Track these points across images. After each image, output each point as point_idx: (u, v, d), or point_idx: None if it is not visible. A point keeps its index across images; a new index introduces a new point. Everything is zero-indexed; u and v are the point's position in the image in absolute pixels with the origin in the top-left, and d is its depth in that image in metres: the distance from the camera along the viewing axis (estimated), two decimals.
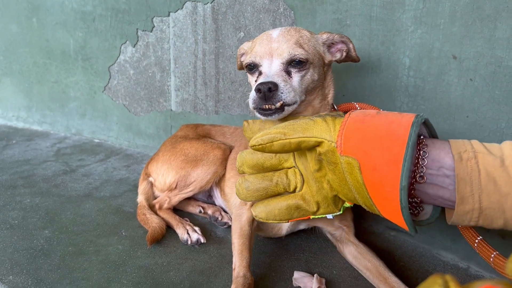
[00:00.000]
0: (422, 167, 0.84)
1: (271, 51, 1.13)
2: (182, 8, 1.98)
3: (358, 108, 1.45)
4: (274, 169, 1.05)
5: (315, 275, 1.19)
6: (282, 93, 1.05)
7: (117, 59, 2.33)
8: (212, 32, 1.90)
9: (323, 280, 1.19)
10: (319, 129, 0.92)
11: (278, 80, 1.07)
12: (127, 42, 2.26)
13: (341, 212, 1.00)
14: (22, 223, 1.49)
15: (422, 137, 0.87)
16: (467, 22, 1.21)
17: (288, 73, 1.11)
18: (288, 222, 1.05)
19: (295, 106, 1.10)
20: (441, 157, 0.84)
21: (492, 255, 0.92)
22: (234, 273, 1.15)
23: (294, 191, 1.02)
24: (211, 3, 1.86)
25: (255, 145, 0.94)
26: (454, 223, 0.85)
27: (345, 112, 1.49)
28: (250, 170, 1.07)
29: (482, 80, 1.21)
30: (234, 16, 1.81)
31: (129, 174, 2.04)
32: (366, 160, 0.84)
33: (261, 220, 1.03)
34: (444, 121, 1.31)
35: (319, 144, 0.91)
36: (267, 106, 1.06)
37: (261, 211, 1.03)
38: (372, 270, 1.20)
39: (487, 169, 0.79)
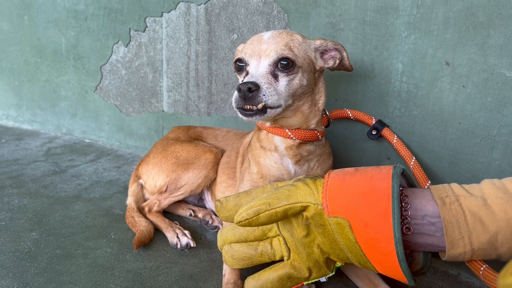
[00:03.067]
0: (407, 218, 0.85)
1: (260, 52, 1.12)
2: (175, 9, 1.96)
3: (350, 114, 1.45)
4: (259, 240, 1.05)
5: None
6: (264, 95, 1.04)
7: (109, 58, 2.31)
8: (205, 34, 1.89)
9: (313, 286, 1.18)
10: (302, 193, 0.92)
11: (262, 81, 1.06)
12: (120, 42, 2.24)
13: (333, 273, 1.00)
14: (9, 225, 1.47)
15: (401, 189, 0.88)
16: (460, 28, 1.21)
17: (275, 76, 1.09)
18: None
19: (279, 110, 1.09)
20: (423, 205, 0.85)
21: (482, 268, 0.93)
22: (224, 280, 1.14)
23: (281, 259, 1.01)
24: (204, 4, 1.85)
25: (241, 221, 0.93)
26: (448, 260, 0.86)
27: (337, 119, 1.49)
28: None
29: (474, 87, 1.21)
30: (227, 18, 1.80)
31: (120, 175, 2.02)
32: (356, 218, 0.84)
33: None
34: (436, 128, 1.31)
35: (305, 208, 0.91)
36: (248, 107, 1.05)
37: (253, 287, 1.03)
38: (361, 276, 1.20)
39: (471, 210, 0.80)
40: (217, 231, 1.52)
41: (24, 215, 1.55)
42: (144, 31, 2.12)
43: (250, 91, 1.03)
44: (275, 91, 1.07)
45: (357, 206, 0.85)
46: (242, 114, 1.08)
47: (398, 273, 0.83)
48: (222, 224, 1.51)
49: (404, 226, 0.85)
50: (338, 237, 0.88)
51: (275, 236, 1.03)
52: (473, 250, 0.80)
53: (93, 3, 2.28)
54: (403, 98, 1.37)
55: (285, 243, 0.99)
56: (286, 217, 0.93)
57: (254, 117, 1.06)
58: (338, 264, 0.99)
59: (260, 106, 1.04)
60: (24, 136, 2.62)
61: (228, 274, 1.15)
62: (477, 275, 0.96)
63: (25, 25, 2.62)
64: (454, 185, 0.87)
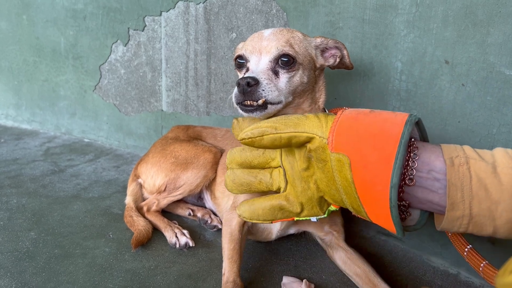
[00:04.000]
0: (412, 169, 0.83)
1: (261, 48, 1.12)
2: (174, 8, 1.96)
3: None
4: (261, 167, 1.05)
5: (304, 280, 1.18)
6: (263, 90, 1.03)
7: (108, 58, 2.31)
8: (204, 33, 1.88)
9: (312, 286, 1.18)
10: (311, 124, 0.90)
11: (262, 77, 1.05)
12: (118, 41, 2.23)
13: (325, 215, 0.99)
14: (7, 224, 1.46)
15: (413, 139, 0.86)
16: (459, 27, 1.21)
17: (276, 73, 1.09)
18: (271, 222, 1.04)
19: (279, 106, 1.08)
20: (431, 160, 0.83)
21: (482, 265, 0.92)
22: (224, 279, 1.14)
23: (278, 191, 1.01)
24: (203, 3, 1.85)
25: (245, 138, 0.92)
26: (444, 229, 0.84)
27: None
28: (239, 168, 1.07)
29: (474, 86, 1.21)
30: (226, 17, 1.79)
31: (119, 174, 2.02)
32: (357, 158, 0.83)
33: (245, 219, 1.03)
34: (435, 126, 1.30)
35: (310, 140, 0.90)
36: (249, 102, 1.04)
37: (245, 210, 1.03)
38: (361, 276, 1.19)
39: (479, 175, 0.78)
40: (216, 231, 1.52)
41: (22, 214, 1.55)
42: (143, 30, 2.12)
43: (249, 86, 1.02)
44: (275, 87, 1.06)
45: (362, 146, 0.83)
46: (242, 110, 1.07)
47: (388, 222, 0.81)
48: (221, 224, 1.51)
49: (408, 177, 0.83)
50: (336, 175, 0.86)
51: (277, 167, 1.02)
52: (471, 215, 0.78)
53: (91, 2, 2.28)
54: (402, 97, 1.36)
55: (284, 174, 0.99)
56: (290, 145, 0.92)
57: (255, 113, 1.05)
58: (332, 208, 0.97)
59: (260, 101, 1.03)
60: (23, 136, 2.61)
61: (227, 272, 1.15)
62: (476, 271, 0.95)
63: (23, 24, 2.61)
64: (466, 147, 0.84)
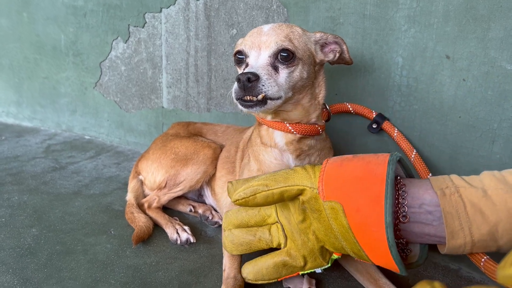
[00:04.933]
0: (403, 206, 0.85)
1: (260, 44, 1.11)
2: (174, 4, 1.95)
3: (351, 108, 1.45)
4: (259, 226, 1.06)
5: (305, 275, 1.18)
6: (263, 85, 1.03)
7: (108, 55, 2.31)
8: (205, 29, 1.88)
9: (313, 281, 1.18)
10: (299, 177, 0.93)
11: (262, 72, 1.05)
12: (119, 38, 2.23)
13: (329, 265, 1.00)
14: (9, 221, 1.47)
15: (399, 178, 0.89)
16: (460, 22, 1.20)
17: (275, 68, 1.09)
18: (278, 280, 1.05)
19: (279, 101, 1.08)
20: (420, 194, 0.85)
21: (483, 260, 0.92)
22: (225, 274, 1.14)
23: (279, 247, 1.02)
24: None
25: (238, 199, 0.95)
26: (448, 254, 0.85)
27: (338, 113, 1.49)
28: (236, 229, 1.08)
29: (475, 81, 1.21)
30: (226, 13, 1.79)
31: (120, 171, 2.02)
32: (349, 202, 0.85)
33: (250, 281, 1.04)
34: (436, 121, 1.30)
35: (301, 192, 0.92)
36: (248, 98, 1.04)
37: (249, 272, 1.05)
38: (362, 271, 1.19)
39: (472, 201, 0.79)
40: (217, 227, 1.52)
41: (24, 211, 1.55)
42: (143, 27, 2.11)
43: (249, 81, 1.02)
44: (275, 82, 1.06)
45: (351, 190, 0.85)
46: (242, 106, 1.07)
47: (390, 261, 0.83)
48: (222, 220, 1.51)
49: (401, 215, 0.84)
50: (332, 223, 0.88)
51: (274, 223, 1.03)
52: (473, 242, 0.80)
53: None
54: (403, 92, 1.36)
55: (283, 230, 0.99)
56: (283, 199, 0.94)
57: (254, 108, 1.05)
58: (334, 256, 0.99)
59: (260, 97, 1.03)
60: (24, 133, 2.62)
61: (228, 268, 1.15)
62: (478, 267, 0.96)
63: (24, 21, 2.61)
64: (454, 176, 0.86)
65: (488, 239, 0.79)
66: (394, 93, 1.38)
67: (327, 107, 1.30)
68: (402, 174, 0.95)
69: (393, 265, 0.83)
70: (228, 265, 1.16)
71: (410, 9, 1.29)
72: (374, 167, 0.85)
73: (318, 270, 1.03)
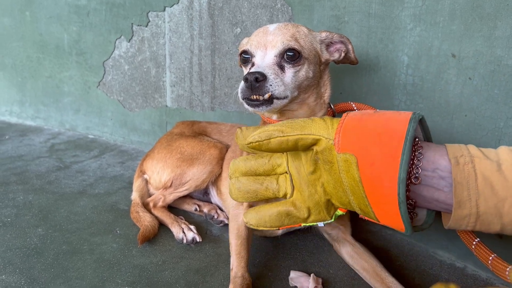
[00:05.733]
0: (417, 168, 0.83)
1: (266, 43, 1.12)
2: (178, 3, 1.95)
3: (355, 107, 1.45)
4: (267, 175, 1.04)
5: (311, 274, 1.18)
6: (270, 85, 1.04)
7: (111, 54, 2.31)
8: (208, 28, 1.88)
9: (320, 280, 1.18)
10: (317, 127, 0.91)
11: (268, 71, 1.05)
12: (122, 37, 2.23)
13: (332, 220, 0.99)
14: (15, 221, 1.47)
15: (417, 139, 0.87)
16: (466, 20, 1.20)
17: (281, 68, 1.09)
18: (279, 229, 1.04)
19: (285, 101, 1.08)
20: (436, 159, 0.83)
21: (490, 258, 0.92)
22: (232, 273, 1.14)
23: (285, 197, 1.01)
24: None
25: (252, 142, 0.92)
26: (451, 227, 0.84)
27: (342, 112, 1.48)
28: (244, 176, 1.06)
29: (481, 79, 1.20)
30: (230, 12, 1.79)
31: (124, 170, 2.02)
32: (364, 156, 0.83)
33: (252, 226, 1.02)
34: (442, 120, 1.30)
35: (316, 142, 0.90)
36: (254, 97, 1.04)
37: (252, 217, 1.02)
38: (368, 270, 1.20)
39: (484, 173, 0.78)
40: (222, 226, 1.52)
41: (29, 211, 1.55)
42: (146, 26, 2.11)
43: (257, 81, 1.02)
44: (281, 81, 1.06)
45: (368, 144, 0.83)
46: (249, 105, 1.07)
47: (396, 219, 0.81)
48: (227, 219, 1.51)
49: (413, 176, 0.83)
50: (343, 176, 0.87)
51: (282, 174, 1.02)
52: (478, 214, 0.79)
53: None
54: (408, 91, 1.36)
55: (291, 180, 0.98)
56: (296, 148, 0.92)
57: (261, 108, 1.06)
58: (339, 212, 0.98)
59: (266, 96, 1.03)
60: (28, 132, 2.62)
61: (235, 267, 1.15)
62: (485, 265, 0.95)
63: (27, 20, 2.61)
64: (471, 146, 0.85)
65: (493, 213, 0.78)
66: (400, 92, 1.38)
67: (332, 106, 1.29)
68: (420, 137, 0.93)
69: (399, 223, 0.82)
70: (235, 264, 1.16)
71: (415, 7, 1.29)
72: (395, 123, 0.83)
73: (321, 224, 1.01)
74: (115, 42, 2.27)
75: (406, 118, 0.83)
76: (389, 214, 0.83)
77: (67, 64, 2.53)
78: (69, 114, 2.64)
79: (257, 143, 0.92)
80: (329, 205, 0.96)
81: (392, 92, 1.39)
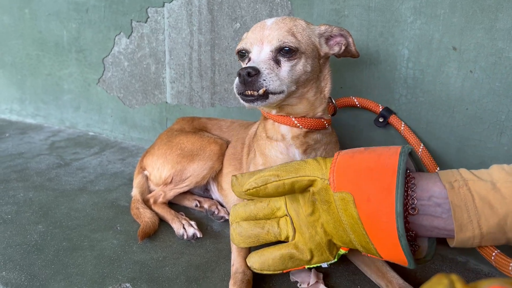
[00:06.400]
0: (413, 198, 0.84)
1: (262, 38, 1.11)
2: None
3: (357, 102, 1.44)
4: (267, 219, 1.05)
5: (312, 269, 1.18)
6: (264, 80, 1.03)
7: (111, 50, 2.30)
8: (208, 23, 1.87)
9: (321, 275, 1.17)
10: (311, 168, 0.93)
11: (263, 66, 1.05)
12: (121, 33, 2.22)
13: (335, 260, 0.99)
14: (15, 218, 1.47)
15: (408, 171, 0.88)
16: (467, 12, 1.19)
17: (277, 62, 1.08)
18: (283, 272, 1.05)
19: (282, 95, 1.07)
20: (429, 186, 0.85)
21: (494, 254, 0.92)
22: (233, 269, 1.14)
23: (286, 240, 1.01)
24: None
25: (249, 189, 0.94)
26: (457, 247, 0.85)
27: (344, 107, 1.48)
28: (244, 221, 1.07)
29: (482, 72, 1.19)
30: (230, 7, 1.78)
31: (124, 167, 2.02)
32: (359, 193, 0.84)
33: (255, 270, 1.02)
34: (443, 114, 1.29)
35: (312, 183, 0.92)
36: (249, 92, 1.04)
37: (255, 261, 1.04)
38: (369, 264, 1.19)
39: (480, 193, 0.79)
40: (223, 222, 1.51)
41: (30, 208, 1.55)
42: (146, 22, 2.10)
43: (249, 76, 1.02)
44: (276, 76, 1.05)
45: (362, 180, 0.85)
46: (244, 100, 1.07)
47: (398, 254, 0.82)
48: (228, 215, 1.51)
49: (410, 207, 0.84)
50: (342, 215, 0.87)
51: (283, 216, 1.03)
52: (482, 234, 0.79)
53: None
54: (409, 85, 1.35)
55: (292, 223, 0.99)
56: (293, 190, 0.93)
57: (256, 103, 1.05)
58: (342, 251, 0.98)
59: (261, 91, 1.03)
60: (28, 130, 2.62)
61: (237, 263, 1.15)
62: (488, 261, 0.95)
63: (26, 18, 2.60)
64: (463, 170, 0.86)
65: (497, 232, 0.79)
66: (400, 86, 1.37)
67: (333, 101, 1.29)
68: (412, 168, 0.95)
69: (401, 257, 0.83)
70: (236, 259, 1.15)
71: (416, 0, 1.28)
72: (386, 158, 0.85)
73: (324, 265, 1.03)
74: (114, 39, 2.26)
75: (396, 152, 0.86)
76: (390, 249, 0.84)
77: (67, 62, 2.53)
78: (69, 112, 2.64)
79: (254, 189, 0.94)
80: (331, 245, 0.97)
81: (393, 86, 1.39)
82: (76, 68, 2.50)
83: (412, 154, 0.93)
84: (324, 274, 1.19)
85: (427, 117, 1.33)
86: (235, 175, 1.05)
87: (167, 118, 2.18)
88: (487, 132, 1.22)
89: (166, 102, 2.16)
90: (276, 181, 0.92)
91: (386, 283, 1.11)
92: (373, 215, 0.82)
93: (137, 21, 2.13)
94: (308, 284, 1.13)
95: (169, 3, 1.98)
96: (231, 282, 1.09)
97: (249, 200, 1.08)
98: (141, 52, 2.18)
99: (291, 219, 1.00)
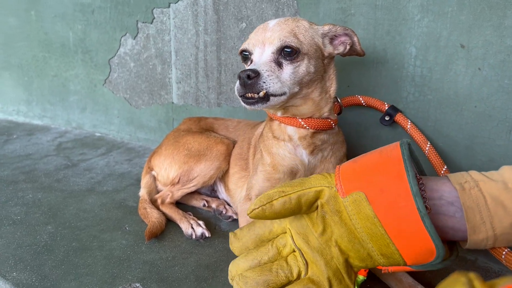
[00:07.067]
0: (424, 197, 0.82)
1: (264, 40, 1.11)
2: None
3: (362, 101, 1.44)
4: (273, 262, 0.95)
5: None
6: (264, 82, 1.03)
7: (117, 51, 2.31)
8: (214, 23, 1.87)
9: None
10: (316, 180, 0.90)
11: (263, 68, 1.05)
12: (127, 34, 2.23)
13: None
14: (24, 219, 1.48)
15: (415, 174, 0.86)
16: (475, 10, 1.19)
17: (279, 64, 1.08)
18: None
19: (283, 97, 1.08)
20: (438, 186, 0.84)
21: (504, 252, 0.91)
22: None
23: (299, 277, 0.91)
24: None
25: (255, 209, 0.88)
26: (470, 248, 0.83)
27: (350, 106, 1.48)
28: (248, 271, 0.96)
29: (491, 69, 1.19)
30: (235, 7, 1.78)
31: (131, 168, 2.03)
32: (370, 188, 0.82)
33: None
34: (451, 112, 1.29)
35: (319, 195, 0.88)
36: (249, 95, 1.04)
37: None
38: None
39: (492, 194, 0.78)
40: (231, 221, 1.52)
41: (39, 209, 1.56)
42: (151, 23, 2.11)
43: (249, 78, 1.02)
44: (277, 78, 1.05)
45: (370, 176, 0.83)
46: (245, 103, 1.07)
47: (424, 243, 0.76)
48: (236, 214, 1.51)
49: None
50: (355, 222, 0.83)
51: (290, 253, 0.94)
52: (495, 236, 0.78)
53: None
54: (417, 83, 1.34)
55: (302, 255, 0.91)
56: (300, 206, 0.88)
57: (256, 105, 1.05)
58: (360, 277, 0.92)
59: (261, 93, 1.03)
60: (35, 131, 2.63)
61: None
62: (499, 260, 0.95)
63: (32, 20, 2.62)
64: (472, 172, 0.85)
65: (511, 232, 0.78)
66: (408, 84, 1.37)
67: (339, 100, 1.29)
68: (416, 172, 0.94)
69: (428, 246, 0.76)
70: None
71: None
72: (388, 152, 0.85)
73: None
74: (120, 40, 2.27)
75: (396, 145, 0.86)
76: (414, 239, 0.78)
77: (73, 63, 2.54)
78: (75, 113, 2.65)
79: (259, 208, 0.88)
80: (349, 268, 0.89)
81: (400, 84, 1.38)
82: (82, 69, 2.51)
83: (412, 155, 0.91)
84: None
85: (435, 115, 1.33)
86: (232, 232, 1.00)
87: (174, 119, 2.19)
88: (496, 129, 1.21)
89: (172, 103, 2.16)
90: (282, 196, 0.87)
91: (396, 283, 1.10)
92: (389, 205, 0.79)
93: (143, 22, 2.14)
94: None
95: (175, 3, 1.98)
96: None
97: (245, 250, 1.00)
98: (147, 53, 2.18)
99: (300, 252, 0.91)
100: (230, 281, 0.97)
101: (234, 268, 0.96)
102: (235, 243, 1.01)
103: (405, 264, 0.83)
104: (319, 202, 0.89)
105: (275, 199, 0.88)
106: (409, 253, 0.80)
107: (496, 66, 1.18)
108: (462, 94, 1.26)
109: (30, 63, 2.73)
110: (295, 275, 0.91)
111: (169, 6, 2.01)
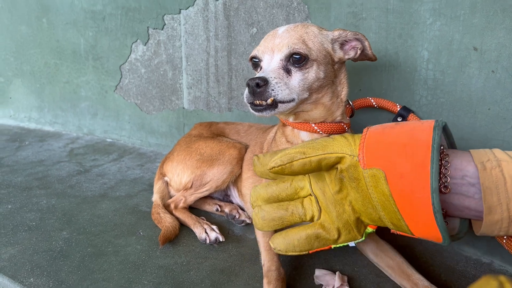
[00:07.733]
0: (445, 176, 0.81)
1: (273, 47, 1.12)
2: (193, 5, 1.96)
3: (374, 103, 1.44)
4: (290, 199, 1.01)
5: (337, 272, 1.18)
6: (272, 89, 1.04)
7: (128, 58, 2.33)
8: (224, 29, 1.88)
9: (345, 277, 1.17)
10: (339, 145, 0.90)
11: (271, 76, 1.05)
12: (138, 40, 2.25)
13: (363, 238, 0.96)
14: (40, 225, 1.49)
15: (442, 147, 0.85)
16: (488, 13, 1.19)
17: (288, 71, 1.09)
18: (308, 253, 0.99)
19: (292, 104, 1.08)
20: (463, 165, 0.82)
21: (505, 237, 0.89)
22: (265, 268, 1.15)
23: (311, 220, 0.97)
24: None
25: (274, 167, 0.91)
26: (483, 234, 0.82)
27: (361, 108, 1.48)
28: (266, 204, 1.03)
29: (504, 72, 1.19)
30: (246, 12, 1.79)
31: (143, 173, 2.04)
32: (391, 169, 0.82)
33: (280, 252, 0.98)
34: (465, 114, 1.29)
35: (340, 160, 0.89)
36: (258, 102, 1.05)
37: (280, 243, 0.99)
38: (394, 267, 1.19)
39: None
40: (244, 225, 1.52)
41: (53, 215, 1.57)
42: (162, 29, 2.13)
43: (258, 86, 1.03)
44: (285, 85, 1.06)
45: (394, 157, 0.82)
46: (253, 110, 1.08)
47: (432, 230, 0.79)
48: (249, 219, 1.51)
49: (442, 185, 0.82)
50: (372, 192, 0.85)
51: (307, 196, 0.99)
52: (510, 218, 0.77)
53: (110, 3, 2.30)
54: (429, 86, 1.34)
55: (317, 202, 0.95)
56: (320, 168, 0.90)
57: (265, 112, 1.06)
58: (369, 229, 0.95)
59: (269, 101, 1.04)
60: (47, 138, 2.66)
61: (268, 262, 1.15)
62: (500, 243, 0.93)
63: (44, 27, 2.65)
64: (496, 150, 0.83)
65: None
66: (420, 87, 1.37)
67: (350, 103, 1.29)
68: (445, 144, 0.92)
69: (435, 234, 0.80)
70: (267, 259, 1.16)
71: (435, 1, 1.28)
72: (419, 133, 0.82)
73: (352, 244, 0.98)
74: (131, 46, 2.29)
75: (430, 127, 0.82)
76: (424, 226, 0.81)
77: (84, 69, 2.56)
78: (86, 119, 2.67)
79: (279, 167, 0.91)
80: (359, 223, 0.93)
81: (413, 88, 1.38)
82: (93, 76, 2.53)
83: (445, 129, 0.90)
84: (349, 277, 1.19)
85: (448, 117, 1.32)
86: (256, 155, 1.03)
87: (185, 124, 2.20)
88: (510, 132, 1.21)
89: (183, 108, 2.18)
90: (303, 158, 0.89)
91: (411, 286, 1.10)
92: (406, 192, 0.79)
93: (154, 28, 2.16)
94: (333, 287, 1.13)
95: (186, 9, 2.00)
96: (265, 281, 1.09)
97: (270, 180, 1.06)
98: (158, 58, 2.20)
99: (316, 198, 0.96)
100: (251, 205, 1.06)
101: (255, 194, 1.04)
102: (258, 167, 1.03)
103: (413, 236, 0.86)
104: (338, 167, 0.90)
105: (295, 160, 0.90)
106: (418, 231, 0.83)
107: (510, 68, 1.17)
108: (475, 96, 1.26)
109: (42, 70, 2.76)
110: (308, 218, 0.97)
111: (179, 13, 2.03)
